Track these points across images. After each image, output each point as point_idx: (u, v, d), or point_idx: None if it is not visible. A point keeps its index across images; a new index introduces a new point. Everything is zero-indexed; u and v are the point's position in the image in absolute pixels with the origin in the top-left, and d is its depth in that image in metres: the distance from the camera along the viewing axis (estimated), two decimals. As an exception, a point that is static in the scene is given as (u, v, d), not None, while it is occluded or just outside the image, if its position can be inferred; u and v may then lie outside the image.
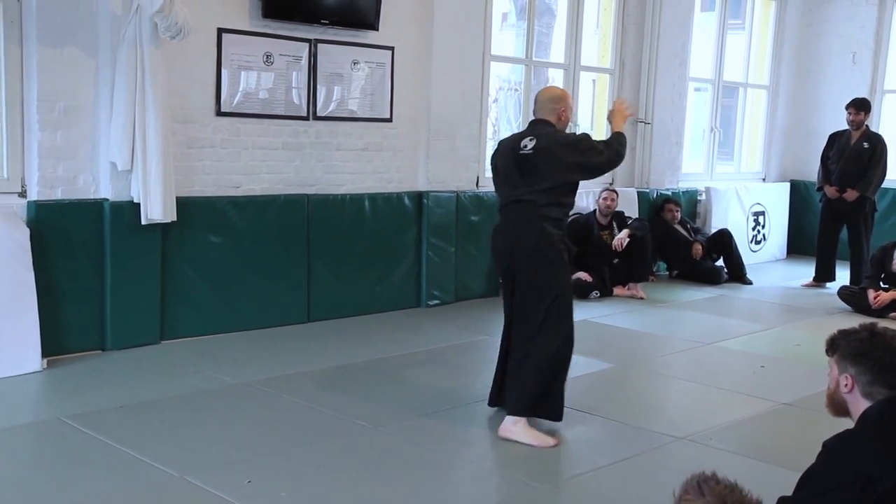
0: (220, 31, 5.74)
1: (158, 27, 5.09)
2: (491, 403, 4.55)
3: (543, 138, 4.28)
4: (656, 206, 8.78)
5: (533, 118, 4.48)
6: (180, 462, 3.74)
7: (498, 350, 4.55)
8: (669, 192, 8.99)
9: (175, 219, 5.42)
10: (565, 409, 4.34)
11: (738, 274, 8.67)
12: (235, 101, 5.88)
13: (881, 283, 7.43)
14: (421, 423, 4.39)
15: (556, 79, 8.67)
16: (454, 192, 7.09)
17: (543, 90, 4.58)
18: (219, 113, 5.81)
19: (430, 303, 6.98)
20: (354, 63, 6.47)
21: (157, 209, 5.29)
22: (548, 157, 4.23)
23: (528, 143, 4.29)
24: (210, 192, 5.80)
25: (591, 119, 9.22)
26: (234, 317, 5.89)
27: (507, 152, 4.38)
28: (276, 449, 3.95)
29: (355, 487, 3.61)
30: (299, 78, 6.17)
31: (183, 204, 5.51)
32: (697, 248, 8.60)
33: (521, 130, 4.73)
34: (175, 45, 5.34)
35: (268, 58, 5.99)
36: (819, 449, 2.43)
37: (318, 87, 6.28)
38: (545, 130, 4.35)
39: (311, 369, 5.19)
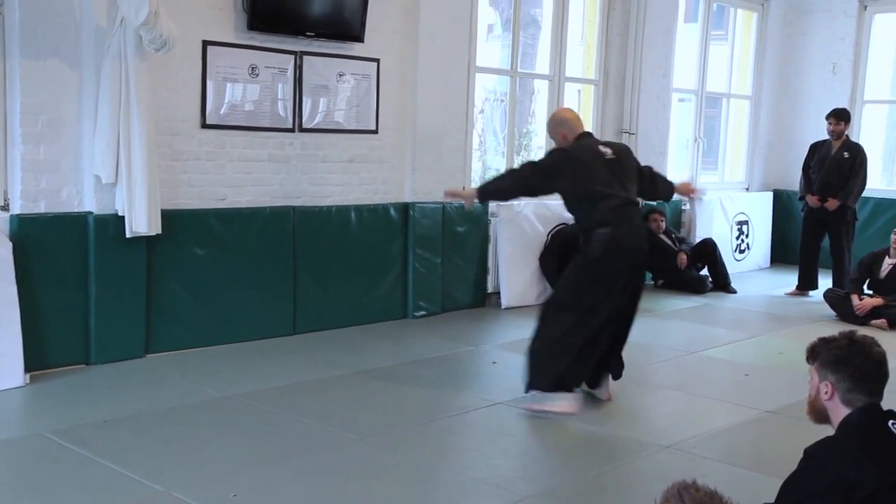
0: (206, 43, 5.73)
1: (143, 40, 5.08)
2: (593, 385, 5.00)
3: (614, 146, 4.97)
4: (641, 216, 8.78)
5: (582, 130, 4.98)
6: (166, 477, 3.71)
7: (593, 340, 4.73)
8: (654, 202, 9.02)
9: (160, 231, 5.40)
10: (551, 419, 4.33)
11: (722, 283, 8.71)
12: (221, 114, 5.88)
13: (865, 289, 7.48)
14: (408, 433, 4.38)
15: (542, 90, 8.71)
16: (440, 203, 7.10)
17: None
18: (204, 125, 5.80)
19: (417, 314, 6.98)
20: (340, 75, 6.48)
21: (141, 222, 5.27)
22: (629, 162, 4.89)
23: (607, 150, 4.83)
24: (195, 205, 5.79)
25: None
26: (219, 330, 5.87)
27: (596, 156, 4.78)
28: (262, 462, 3.93)
29: (342, 499, 3.59)
30: (285, 90, 6.18)
31: (168, 217, 5.49)
32: (682, 258, 8.64)
33: (584, 139, 4.98)
34: (160, 58, 5.34)
35: (253, 70, 6.00)
36: (801, 456, 2.45)
37: (303, 99, 6.28)
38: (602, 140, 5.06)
39: (298, 381, 5.17)
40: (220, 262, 5.87)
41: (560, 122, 5.01)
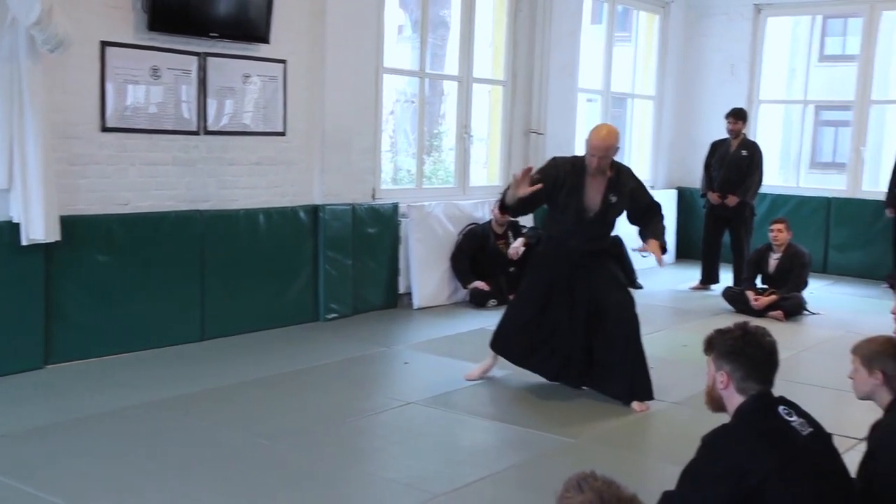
0: (104, 43, 5.58)
1: (36, 40, 4.92)
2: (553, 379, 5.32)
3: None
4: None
5: None
6: (69, 491, 3.61)
7: None
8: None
9: (59, 238, 5.24)
10: (463, 417, 4.35)
11: (628, 279, 8.86)
12: (122, 116, 5.73)
13: (759, 284, 7.77)
14: (321, 436, 4.35)
15: (451, 91, 8.76)
16: (350, 204, 7.07)
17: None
18: (104, 128, 5.64)
19: (329, 316, 6.94)
20: (246, 77, 6.40)
21: (38, 229, 5.10)
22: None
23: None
24: (96, 210, 5.62)
25: (486, 129, 9.35)
26: (124, 338, 5.72)
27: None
28: (171, 472, 3.85)
29: (251, 506, 3.55)
30: (189, 92, 6.06)
31: (67, 223, 5.33)
32: (590, 255, 8.77)
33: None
34: (55, 59, 5.18)
35: (155, 71, 5.86)
36: (699, 444, 2.53)
37: (208, 101, 6.17)
38: None
39: (207, 388, 5.08)
40: (123, 269, 5.72)
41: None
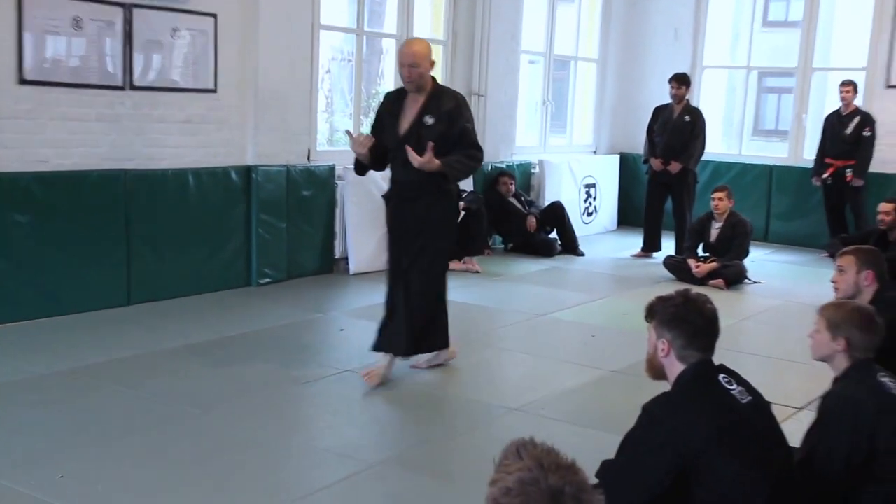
0: (21, -10, 5.39)
1: (-53, -15, 4.72)
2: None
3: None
4: (491, 179, 8.96)
5: None
6: (-17, 461, 3.52)
7: None
8: (504, 165, 9.20)
9: (-26, 197, 5.08)
10: (398, 385, 4.36)
11: (570, 246, 8.99)
12: (41, 69, 5.54)
13: (701, 253, 7.91)
14: (254, 405, 4.32)
15: (390, 50, 8.67)
16: (284, 165, 6.98)
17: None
18: (21, 81, 5.45)
19: (261, 281, 6.86)
20: (174, 30, 6.23)
21: (-49, 186, 4.93)
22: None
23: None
24: (14, 168, 5.45)
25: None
26: (44, 302, 5.58)
27: None
28: (93, 441, 3.79)
29: (183, 475, 3.52)
30: (113, 45, 5.88)
31: (-18, 181, 5.16)
32: (531, 221, 8.85)
33: None
34: (-32, 6, 4.98)
35: (77, 22, 5.67)
36: (639, 412, 2.57)
37: (134, 55, 6.00)
38: None
39: (134, 354, 5.00)
40: (43, 230, 5.56)
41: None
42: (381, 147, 4.72)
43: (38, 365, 4.73)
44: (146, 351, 5.08)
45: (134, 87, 6.04)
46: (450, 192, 4.79)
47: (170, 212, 6.26)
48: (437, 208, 4.71)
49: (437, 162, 4.52)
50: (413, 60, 4.54)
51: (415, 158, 4.50)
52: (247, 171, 6.77)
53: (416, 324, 4.71)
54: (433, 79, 4.69)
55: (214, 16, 6.46)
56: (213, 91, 6.54)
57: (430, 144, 4.48)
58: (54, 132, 5.65)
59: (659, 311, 2.65)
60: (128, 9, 5.92)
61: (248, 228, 6.81)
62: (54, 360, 4.80)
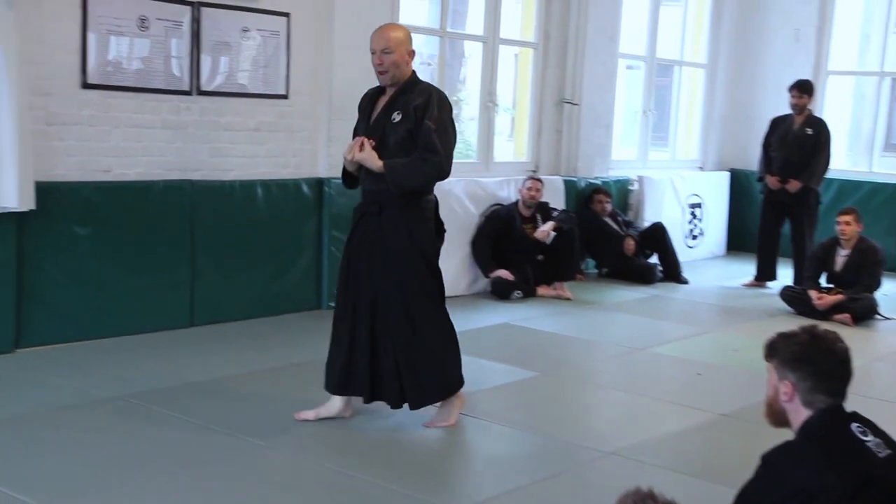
0: (86, -12, 5.61)
1: (12, -17, 4.95)
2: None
3: None
4: (584, 197, 8.94)
5: None
6: (40, 488, 3.65)
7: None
8: (599, 182, 9.16)
9: (34, 207, 5.29)
10: (484, 422, 4.39)
11: (672, 272, 8.90)
12: (104, 72, 5.75)
13: (824, 283, 7.74)
14: (319, 437, 4.38)
15: (475, 52, 8.74)
16: (359, 178, 7.07)
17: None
18: (85, 85, 5.67)
19: (332, 304, 6.93)
20: (244, 30, 6.41)
21: (11, 196, 5.15)
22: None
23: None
24: (75, 177, 5.66)
25: (512, 99, 9.33)
26: (104, 321, 5.76)
27: None
28: (150, 471, 3.89)
29: (245, 515, 3.59)
30: (180, 46, 6.07)
31: (43, 190, 5.36)
32: (629, 244, 8.79)
33: None
34: (31, 5, 5.22)
35: (143, 22, 5.88)
36: (757, 463, 2.54)
37: (202, 57, 6.19)
38: None
39: (195, 380, 5.12)
40: (104, 244, 5.76)
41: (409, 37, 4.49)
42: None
43: (96, 388, 4.88)
44: (208, 377, 5.20)
45: (201, 93, 6.22)
46: (419, 208, 4.53)
47: (236, 226, 6.41)
48: (402, 227, 4.46)
49: (378, 161, 4.33)
50: (386, 45, 4.34)
51: (352, 149, 4.36)
52: (318, 184, 6.89)
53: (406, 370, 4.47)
54: (413, 72, 4.51)
55: (287, 15, 6.62)
56: (285, 97, 6.69)
57: (371, 140, 4.35)
58: (118, 139, 5.86)
59: (782, 350, 2.61)
60: (196, 7, 6.11)
61: (318, 246, 6.92)
62: (113, 384, 4.95)
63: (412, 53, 4.48)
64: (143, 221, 5.93)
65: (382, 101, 4.51)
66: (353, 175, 4.62)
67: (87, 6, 5.61)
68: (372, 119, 4.49)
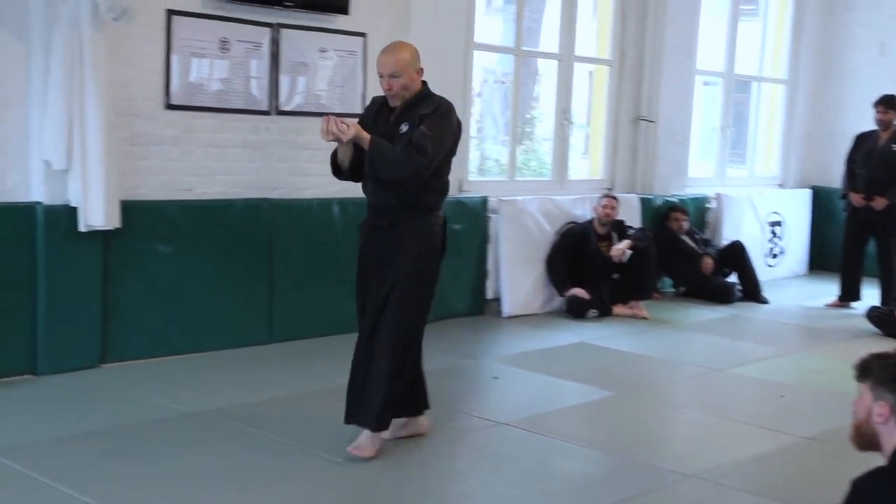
0: (170, 12, 5.75)
1: (100, 7, 5.10)
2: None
3: None
4: (661, 215, 8.86)
5: None
6: (125, 502, 3.73)
7: None
8: (675, 199, 9.08)
9: (119, 225, 5.43)
10: (560, 442, 4.34)
11: (752, 291, 8.77)
12: (187, 93, 5.90)
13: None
14: (400, 457, 4.40)
15: (549, 70, 8.75)
16: (434, 196, 7.11)
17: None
18: (168, 106, 5.82)
19: (407, 322, 6.99)
20: (322, 51, 6.51)
21: (98, 214, 5.28)
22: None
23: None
24: (158, 196, 5.80)
25: (587, 116, 9.31)
26: (185, 337, 5.88)
27: None
28: (231, 486, 3.95)
29: (325, 531, 3.62)
30: (259, 67, 6.20)
31: (127, 209, 5.51)
32: (707, 262, 8.69)
33: None
34: (118, 29, 5.34)
35: (224, 44, 6.01)
36: (847, 488, 2.48)
37: (280, 77, 6.30)
38: None
39: (274, 396, 5.19)
40: (185, 261, 5.88)
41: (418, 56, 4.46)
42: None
43: (177, 403, 4.98)
44: (286, 393, 5.27)
45: (279, 112, 6.33)
46: (429, 223, 4.47)
47: (314, 244, 6.49)
48: (410, 241, 4.40)
49: (366, 135, 4.24)
50: (394, 70, 4.31)
51: (328, 131, 4.22)
52: (394, 202, 6.94)
53: (385, 389, 4.36)
54: (424, 84, 4.47)
55: (364, 35, 6.70)
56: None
57: (355, 122, 4.29)
58: (199, 159, 5.99)
59: (876, 370, 2.56)
60: (276, 28, 6.22)
61: (393, 264, 6.96)
62: (194, 400, 5.05)
63: (420, 71, 4.43)
64: (222, 239, 6.05)
65: (392, 111, 4.45)
66: (339, 165, 4.51)
67: (171, 29, 5.77)
68: (378, 129, 4.40)
